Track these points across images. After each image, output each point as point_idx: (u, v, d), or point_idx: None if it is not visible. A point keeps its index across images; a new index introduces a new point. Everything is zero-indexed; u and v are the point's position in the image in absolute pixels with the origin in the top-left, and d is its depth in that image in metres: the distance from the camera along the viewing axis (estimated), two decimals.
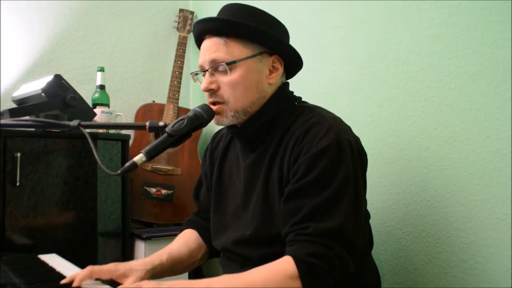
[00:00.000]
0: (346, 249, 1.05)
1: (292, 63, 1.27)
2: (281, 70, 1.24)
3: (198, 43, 1.27)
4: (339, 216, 1.06)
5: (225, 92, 1.19)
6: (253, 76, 1.20)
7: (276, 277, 1.02)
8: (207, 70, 1.21)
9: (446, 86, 1.40)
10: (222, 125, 1.24)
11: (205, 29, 1.22)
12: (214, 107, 1.21)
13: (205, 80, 1.21)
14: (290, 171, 1.14)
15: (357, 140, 1.20)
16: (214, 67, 1.19)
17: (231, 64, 1.18)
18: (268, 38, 1.20)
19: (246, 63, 1.19)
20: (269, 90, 1.23)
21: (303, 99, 1.31)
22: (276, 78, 1.23)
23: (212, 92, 1.21)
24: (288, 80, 1.32)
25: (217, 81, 1.20)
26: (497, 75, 1.27)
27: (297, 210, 1.09)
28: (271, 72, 1.23)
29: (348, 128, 1.20)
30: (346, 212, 1.07)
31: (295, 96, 1.30)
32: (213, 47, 1.20)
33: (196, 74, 1.28)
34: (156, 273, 1.27)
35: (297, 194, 1.10)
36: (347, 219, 1.06)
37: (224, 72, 1.18)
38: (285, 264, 1.03)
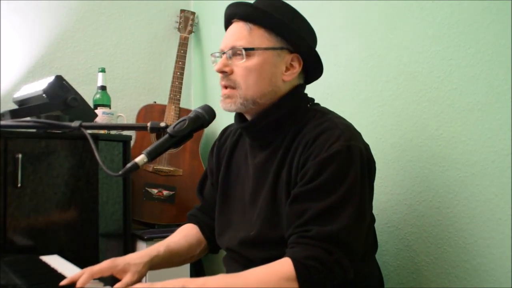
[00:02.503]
0: (346, 256, 1.05)
1: (312, 66, 1.27)
2: (298, 69, 1.23)
3: (226, 26, 1.28)
4: (342, 222, 1.05)
5: (238, 77, 1.19)
6: (269, 68, 1.19)
7: (272, 278, 1.02)
8: (225, 53, 1.21)
9: (448, 86, 1.40)
10: (229, 110, 1.23)
11: (235, 12, 1.23)
12: (225, 91, 1.22)
13: (220, 62, 1.22)
14: (298, 174, 1.13)
15: (367, 147, 1.20)
16: (233, 51, 1.20)
17: (249, 51, 1.18)
18: (292, 35, 1.20)
19: (265, 53, 1.19)
20: (283, 87, 1.22)
21: None
22: (291, 76, 1.23)
23: (225, 74, 1.21)
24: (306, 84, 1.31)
25: (232, 65, 1.20)
26: (499, 75, 1.27)
27: (301, 213, 1.08)
28: (287, 69, 1.22)
29: (358, 135, 1.20)
30: (350, 219, 1.06)
31: (308, 97, 1.29)
32: (237, 33, 1.21)
33: (216, 56, 1.27)
34: (154, 264, 1.27)
35: (303, 197, 1.10)
36: (350, 226, 1.06)
37: (241, 57, 1.19)
38: (283, 266, 1.03)
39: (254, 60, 1.18)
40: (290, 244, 1.08)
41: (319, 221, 1.06)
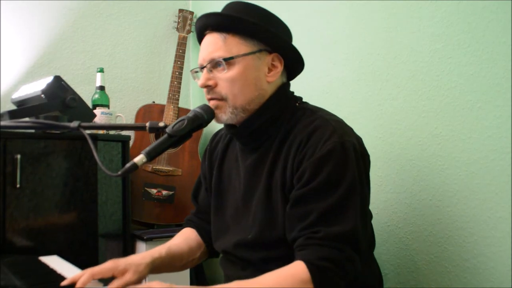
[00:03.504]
0: (356, 252, 1.06)
1: (293, 62, 1.26)
2: (280, 68, 1.23)
3: (200, 39, 1.27)
4: (349, 220, 1.06)
5: (223, 89, 1.19)
6: (252, 73, 1.19)
7: (288, 282, 1.02)
8: (205, 67, 1.20)
9: (447, 84, 1.39)
10: (221, 121, 1.23)
11: (206, 24, 1.22)
12: (212, 102, 1.21)
13: (202, 77, 1.21)
14: (294, 175, 1.13)
15: (360, 141, 1.19)
16: (212, 63, 1.19)
17: (229, 60, 1.17)
18: (267, 35, 1.20)
19: (245, 59, 1.18)
20: (268, 89, 1.22)
21: (304, 99, 1.30)
22: (275, 76, 1.22)
23: (209, 88, 1.20)
24: (289, 81, 1.31)
25: (214, 78, 1.19)
26: (498, 74, 1.27)
27: (305, 215, 1.08)
28: (270, 70, 1.22)
29: (350, 130, 1.19)
30: (355, 215, 1.07)
31: (295, 96, 1.29)
32: (212, 44, 1.19)
33: (196, 71, 1.27)
34: (156, 266, 1.26)
35: (304, 200, 1.09)
36: (357, 222, 1.06)
37: (222, 69, 1.18)
38: (297, 269, 1.03)
39: (235, 69, 1.17)
40: (299, 246, 1.08)
41: (325, 221, 1.06)
